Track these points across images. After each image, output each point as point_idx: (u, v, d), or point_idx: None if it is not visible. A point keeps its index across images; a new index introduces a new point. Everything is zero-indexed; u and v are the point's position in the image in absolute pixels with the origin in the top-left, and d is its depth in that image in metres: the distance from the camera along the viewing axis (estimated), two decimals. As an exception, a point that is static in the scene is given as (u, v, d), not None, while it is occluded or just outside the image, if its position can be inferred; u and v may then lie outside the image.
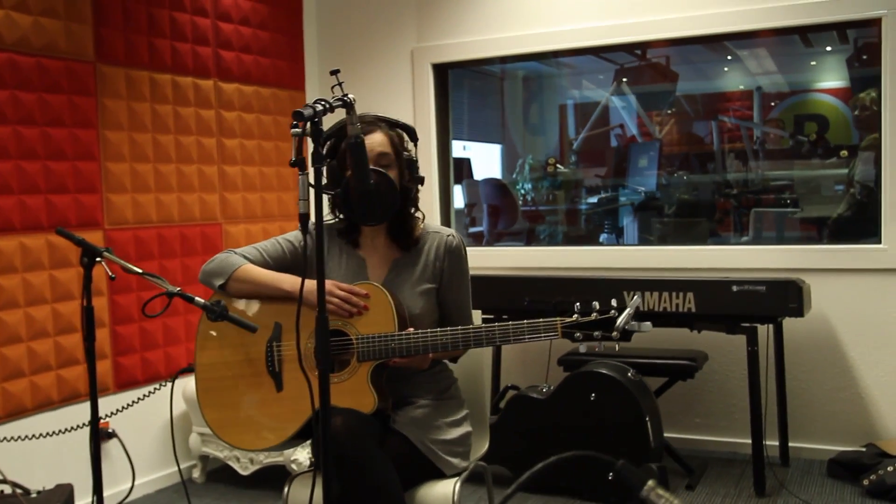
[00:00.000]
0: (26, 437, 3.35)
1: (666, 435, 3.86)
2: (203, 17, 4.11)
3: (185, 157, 4.02)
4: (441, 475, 2.45)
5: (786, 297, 3.55)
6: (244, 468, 3.89)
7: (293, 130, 1.90)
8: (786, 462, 3.97)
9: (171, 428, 3.19)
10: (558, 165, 6.17)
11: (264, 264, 2.51)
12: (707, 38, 4.38)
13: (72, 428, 3.41)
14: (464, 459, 2.52)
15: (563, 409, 3.68)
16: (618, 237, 5.91)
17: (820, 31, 4.31)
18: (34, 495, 2.97)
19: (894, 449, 3.69)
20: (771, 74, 6.01)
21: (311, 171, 1.92)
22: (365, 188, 2.20)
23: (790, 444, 3.99)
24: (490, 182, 6.27)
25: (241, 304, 2.49)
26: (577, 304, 2.32)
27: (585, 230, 6.04)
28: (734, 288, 3.62)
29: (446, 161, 4.88)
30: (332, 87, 2.18)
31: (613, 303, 2.30)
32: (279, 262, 2.53)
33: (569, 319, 2.29)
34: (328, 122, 2.23)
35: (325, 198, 2.36)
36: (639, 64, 5.77)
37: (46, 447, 3.47)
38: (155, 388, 3.50)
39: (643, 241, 5.71)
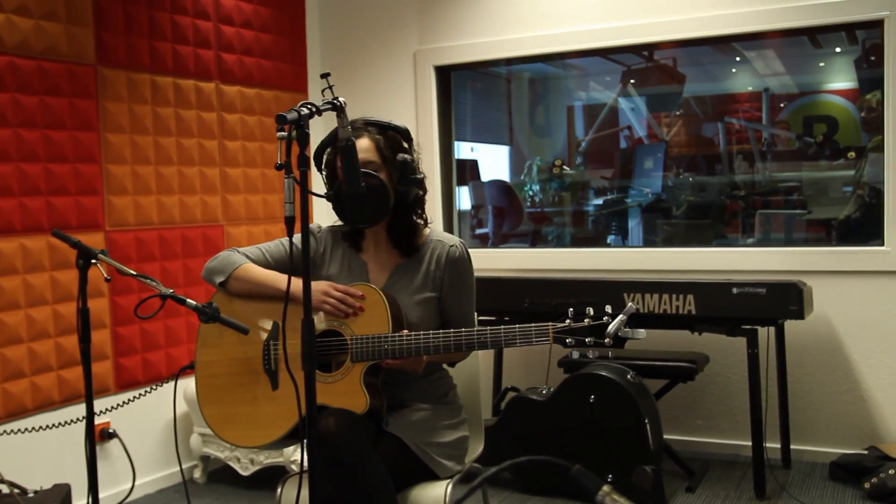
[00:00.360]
0: (25, 430, 3.37)
1: (668, 437, 3.85)
2: (205, 20, 4.13)
3: (187, 159, 4.05)
4: (434, 477, 2.45)
5: (786, 299, 3.53)
6: (244, 469, 3.91)
7: (279, 134, 1.91)
8: (787, 464, 3.95)
9: (175, 425, 3.19)
10: (564, 167, 6.16)
11: (266, 264, 2.53)
12: (715, 39, 4.36)
13: (69, 422, 3.43)
14: (458, 463, 2.52)
15: (562, 411, 3.68)
16: (624, 239, 5.90)
17: (825, 32, 4.29)
18: (31, 495, 2.99)
19: (896, 452, 3.67)
20: (779, 76, 5.97)
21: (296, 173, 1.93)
22: (355, 191, 2.21)
23: (792, 447, 3.97)
24: (495, 184, 6.26)
25: (241, 304, 2.51)
26: (571, 309, 2.31)
27: (592, 232, 6.03)
28: (734, 290, 3.61)
29: (449, 163, 4.88)
30: (323, 91, 2.19)
31: (608, 309, 2.29)
32: (281, 263, 2.56)
33: (561, 325, 2.28)
34: (328, 126, 2.23)
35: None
36: (646, 65, 5.75)
37: (47, 447, 3.50)
38: (154, 387, 3.53)
39: (649, 242, 5.69)
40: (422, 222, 2.56)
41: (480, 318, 3.98)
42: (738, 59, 5.86)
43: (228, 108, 4.24)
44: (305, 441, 2.01)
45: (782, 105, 6.06)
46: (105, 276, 2.44)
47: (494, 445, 3.67)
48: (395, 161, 2.45)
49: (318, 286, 2.42)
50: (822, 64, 5.84)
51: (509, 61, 4.96)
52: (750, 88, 6.22)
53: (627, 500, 0.96)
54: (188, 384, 3.82)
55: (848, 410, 3.99)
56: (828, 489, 3.69)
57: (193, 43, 4.08)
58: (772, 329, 3.79)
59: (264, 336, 2.45)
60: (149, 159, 3.88)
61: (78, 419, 3.43)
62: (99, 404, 3.63)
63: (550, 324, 2.29)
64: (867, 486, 3.53)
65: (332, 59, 4.90)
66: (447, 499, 2.39)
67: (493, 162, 6.66)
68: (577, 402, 3.64)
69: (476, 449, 2.72)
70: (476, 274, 2.63)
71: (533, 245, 5.94)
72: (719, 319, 3.68)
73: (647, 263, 4.31)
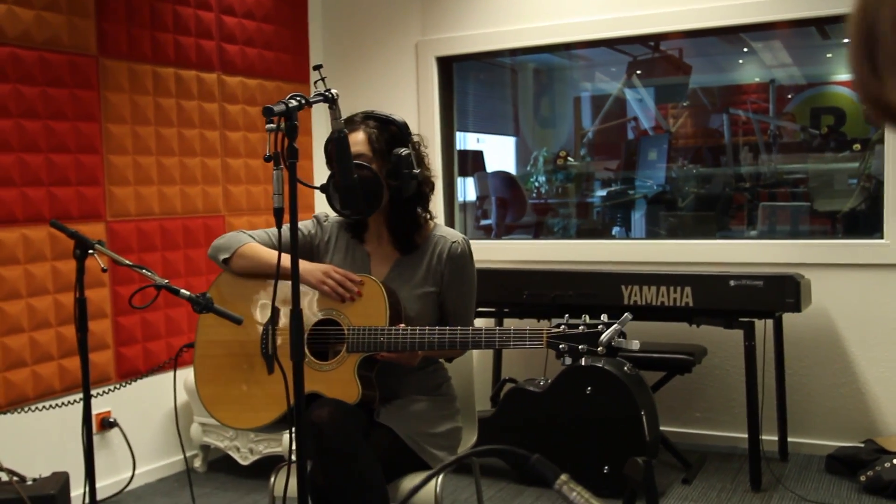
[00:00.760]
0: (24, 409, 3.41)
1: (666, 429, 3.86)
2: (207, 10, 4.15)
3: (189, 150, 4.07)
4: (426, 468, 2.47)
5: (783, 292, 3.54)
6: (244, 458, 3.94)
7: (268, 126, 1.93)
8: (785, 457, 3.96)
9: (175, 406, 3.20)
10: (569, 158, 6.16)
11: (272, 248, 2.56)
12: (722, 29, 4.32)
13: (67, 403, 3.46)
14: (451, 453, 2.54)
15: (559, 403, 3.69)
16: (627, 231, 5.90)
17: (833, 22, 4.27)
18: (30, 482, 3.02)
19: (892, 445, 3.67)
20: (787, 67, 5.95)
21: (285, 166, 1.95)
22: (347, 182, 2.23)
23: (789, 440, 3.98)
24: (499, 175, 6.26)
25: (246, 285, 2.54)
26: (566, 315, 2.32)
27: (596, 224, 6.03)
28: (732, 283, 3.61)
29: (450, 155, 4.89)
30: (315, 83, 2.20)
31: (604, 317, 2.29)
32: (287, 249, 2.58)
33: (556, 330, 2.29)
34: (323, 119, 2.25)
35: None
36: (652, 56, 5.74)
37: (47, 436, 3.53)
38: (155, 370, 3.56)
39: (653, 234, 5.69)
40: (427, 217, 2.57)
41: (479, 309, 4.01)
42: (745, 49, 5.84)
43: (230, 99, 4.26)
44: (294, 430, 2.04)
45: (790, 96, 6.04)
46: (102, 266, 2.47)
47: (492, 436, 3.70)
48: (388, 155, 2.46)
49: (319, 267, 2.47)
50: (829, 55, 5.81)
51: (512, 52, 4.95)
52: (757, 79, 6.19)
53: (584, 489, 0.98)
54: (188, 375, 3.85)
55: (845, 403, 3.99)
56: (824, 482, 3.70)
57: (195, 33, 4.09)
58: (770, 321, 3.80)
59: (264, 319, 2.49)
60: (150, 150, 3.90)
61: (75, 401, 3.46)
62: (100, 393, 3.67)
63: (545, 329, 2.30)
64: (863, 478, 3.54)
65: (334, 50, 4.91)
66: (438, 488, 2.42)
67: (500, 153, 6.66)
68: (573, 394, 3.65)
69: (469, 439, 2.74)
70: (478, 265, 2.64)
71: (536, 236, 5.94)
72: (717, 312, 3.69)
73: (649, 255, 4.31)
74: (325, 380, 2.40)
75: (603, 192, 6.01)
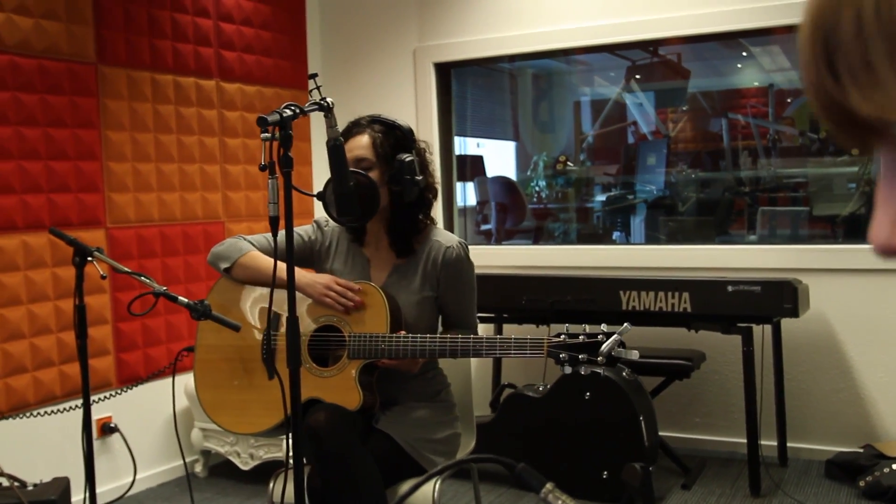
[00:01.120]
0: (25, 415, 3.42)
1: (665, 434, 3.87)
2: (205, 17, 4.16)
3: (188, 156, 4.08)
4: (424, 473, 2.48)
5: (781, 297, 3.54)
6: (244, 463, 3.95)
7: (263, 135, 1.94)
8: (784, 462, 3.96)
9: (174, 411, 3.20)
10: (569, 163, 6.17)
11: (271, 253, 2.57)
12: (721, 35, 4.32)
13: (68, 409, 3.47)
14: (449, 459, 2.55)
15: (558, 408, 3.70)
16: (628, 235, 5.91)
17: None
18: (31, 488, 3.03)
19: (891, 451, 3.67)
20: (786, 71, 5.95)
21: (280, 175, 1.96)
22: (343, 189, 2.24)
23: (789, 445, 3.98)
24: (498, 180, 6.28)
25: (246, 291, 2.55)
26: (567, 325, 2.34)
27: (596, 228, 6.04)
28: (729, 288, 3.62)
29: (449, 160, 4.90)
30: (310, 91, 2.21)
31: (603, 327, 2.31)
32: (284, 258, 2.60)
33: (556, 340, 2.31)
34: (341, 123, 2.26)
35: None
36: (651, 61, 5.75)
37: (48, 441, 3.55)
38: (155, 374, 3.57)
39: (652, 239, 5.70)
40: (427, 223, 2.58)
41: (479, 314, 4.01)
42: (744, 54, 5.85)
43: (229, 106, 4.28)
44: (291, 436, 2.05)
45: (789, 100, 6.05)
46: (101, 273, 2.49)
47: (491, 441, 3.70)
48: (392, 160, 2.48)
49: (320, 279, 2.47)
50: (828, 59, 5.81)
51: (510, 58, 4.96)
52: (756, 84, 6.20)
53: (570, 497, 0.99)
54: (188, 380, 3.87)
55: (844, 409, 3.99)
56: (823, 487, 3.70)
57: (193, 41, 4.11)
58: (768, 327, 3.80)
59: (264, 325, 2.50)
60: (149, 156, 3.92)
61: (76, 407, 3.48)
62: (101, 398, 3.68)
63: (545, 338, 2.32)
64: (862, 484, 3.54)
65: (332, 57, 4.92)
66: (436, 494, 2.43)
67: (500, 157, 6.67)
68: (572, 399, 3.66)
69: (468, 445, 2.75)
70: (477, 271, 2.65)
71: (536, 241, 5.95)
72: (714, 317, 3.69)
73: (648, 261, 4.32)
74: (326, 386, 2.42)
75: (603, 197, 6.03)
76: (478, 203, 6.04)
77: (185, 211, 4.07)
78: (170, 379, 3.84)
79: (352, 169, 2.34)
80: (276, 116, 1.92)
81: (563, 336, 2.31)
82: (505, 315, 4.15)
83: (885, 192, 0.55)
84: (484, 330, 4.28)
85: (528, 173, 6.30)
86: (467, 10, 4.66)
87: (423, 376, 2.59)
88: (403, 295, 2.52)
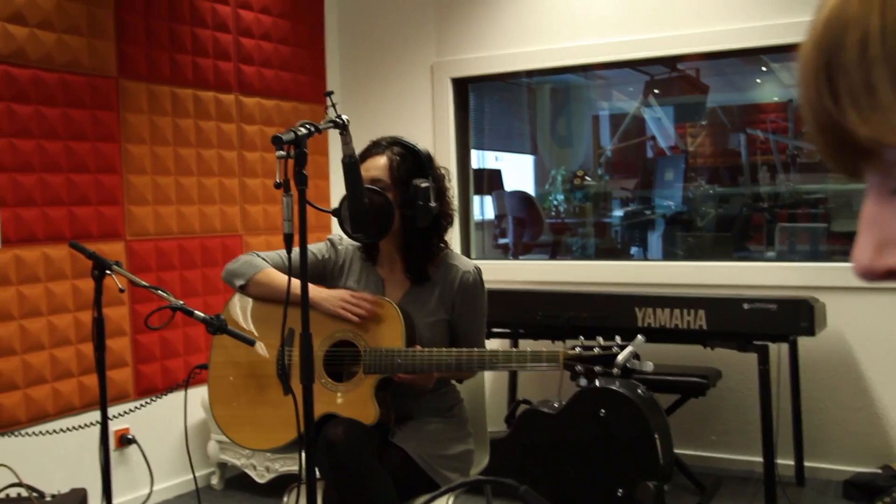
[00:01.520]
0: (44, 432, 3.45)
1: (682, 452, 3.85)
2: (225, 32, 4.20)
3: (207, 170, 4.12)
4: (437, 489, 2.49)
5: (797, 315, 3.52)
6: (260, 476, 3.96)
7: (278, 153, 1.96)
8: (801, 482, 3.93)
9: (185, 426, 3.23)
10: (587, 178, 6.16)
11: (285, 270, 2.59)
12: (742, 52, 4.28)
13: (87, 421, 3.50)
14: (462, 475, 2.56)
15: (572, 425, 3.68)
16: (645, 251, 5.89)
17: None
18: (48, 499, 3.06)
19: (910, 471, 3.64)
20: (806, 86, 5.92)
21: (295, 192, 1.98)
22: (357, 207, 2.26)
23: (806, 464, 3.95)
24: (516, 194, 6.28)
25: (260, 307, 2.58)
26: (581, 337, 2.35)
27: (613, 243, 6.03)
28: (745, 306, 3.60)
29: (466, 175, 4.92)
30: (326, 109, 2.23)
31: (618, 339, 2.32)
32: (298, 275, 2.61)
33: (571, 352, 2.32)
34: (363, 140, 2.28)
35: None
36: (669, 75, 5.74)
37: (66, 452, 3.57)
38: (172, 389, 3.59)
39: (670, 255, 5.68)
40: (441, 247, 2.59)
41: (494, 330, 4.02)
42: (763, 69, 5.82)
43: (247, 120, 4.31)
44: (304, 453, 2.07)
45: (809, 116, 6.01)
46: (119, 286, 2.51)
47: (505, 457, 3.69)
48: (407, 184, 2.49)
49: (336, 293, 2.50)
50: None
51: (528, 74, 4.97)
52: (776, 99, 6.18)
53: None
54: (205, 392, 3.89)
55: (863, 428, 3.96)
56: (840, 507, 3.67)
57: (213, 55, 4.15)
58: (784, 345, 3.78)
59: (279, 340, 2.51)
60: (169, 170, 3.96)
61: (94, 423, 3.50)
62: (119, 410, 3.70)
63: (561, 351, 2.33)
64: (879, 504, 3.50)
65: (350, 71, 4.95)
66: (448, 511, 2.43)
67: (519, 171, 6.68)
68: (587, 416, 3.65)
69: (481, 461, 2.75)
70: (491, 286, 2.67)
71: (553, 256, 5.95)
72: (730, 335, 3.67)
73: (665, 277, 4.31)
74: (343, 401, 2.43)
75: (621, 212, 6.01)
76: (496, 217, 6.05)
77: (204, 224, 4.10)
78: (184, 388, 3.89)
79: (367, 186, 2.35)
80: (291, 135, 1.94)
81: (577, 348, 2.32)
82: (521, 330, 4.15)
83: (870, 214, 0.56)
84: (499, 345, 4.29)
85: (546, 187, 6.30)
86: (485, 25, 4.68)
87: (437, 391, 2.59)
88: (418, 316, 2.53)
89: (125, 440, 3.81)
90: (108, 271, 2.59)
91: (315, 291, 2.48)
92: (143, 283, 2.53)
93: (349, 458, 2.31)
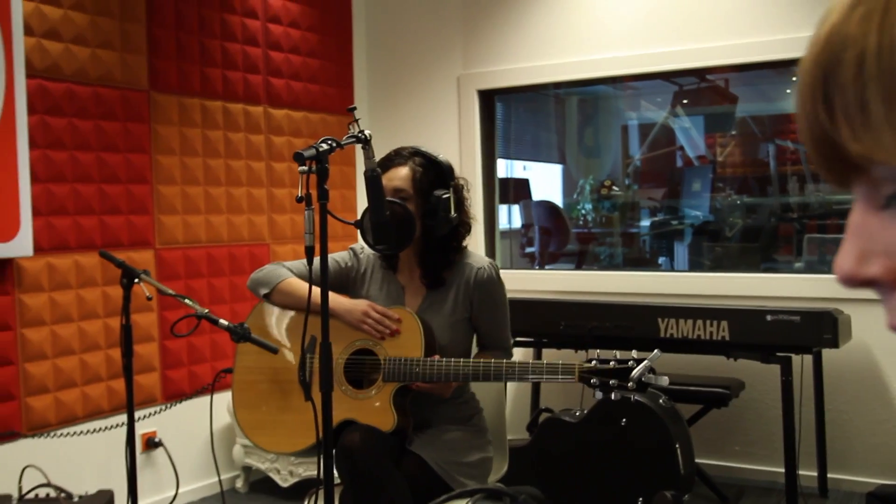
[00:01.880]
0: (73, 434, 3.54)
1: (703, 461, 3.85)
2: (254, 46, 4.29)
3: (235, 180, 4.20)
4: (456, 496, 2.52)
5: (820, 327, 3.52)
6: (284, 480, 4.03)
7: (300, 168, 2.02)
8: (824, 493, 3.91)
9: (211, 430, 3.31)
10: (614, 188, 6.17)
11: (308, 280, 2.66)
12: (772, 63, 4.26)
13: (115, 425, 3.58)
14: (480, 482, 2.59)
15: (593, 433, 3.70)
16: (672, 261, 5.89)
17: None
18: (76, 500, 3.13)
19: (934, 485, 3.61)
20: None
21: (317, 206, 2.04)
22: (379, 219, 2.31)
23: (829, 476, 3.93)
24: (542, 204, 6.31)
25: (284, 315, 2.64)
26: (598, 351, 2.38)
27: (641, 253, 6.03)
28: (768, 317, 3.60)
29: (491, 185, 4.95)
30: (349, 124, 2.28)
31: (634, 354, 2.35)
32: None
33: (587, 365, 2.35)
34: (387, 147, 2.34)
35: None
36: (698, 86, 5.74)
37: (95, 454, 3.66)
38: (198, 392, 3.67)
39: (696, 265, 5.67)
40: (457, 256, 2.64)
41: (517, 339, 4.04)
42: (793, 79, 5.81)
43: (276, 131, 4.39)
44: (323, 456, 2.12)
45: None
46: (147, 294, 2.59)
47: (527, 465, 3.73)
48: (428, 195, 2.54)
49: (358, 305, 2.55)
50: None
51: (555, 86, 5.00)
52: (806, 109, 6.14)
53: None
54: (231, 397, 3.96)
55: (887, 440, 3.93)
56: (863, 520, 3.65)
57: (243, 68, 4.23)
58: (808, 357, 3.77)
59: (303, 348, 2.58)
60: (198, 180, 4.04)
61: (121, 424, 3.58)
62: (146, 414, 3.79)
63: (576, 363, 2.36)
64: (903, 518, 3.48)
65: (377, 83, 5.02)
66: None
67: (547, 181, 6.71)
68: (608, 425, 3.66)
69: (500, 469, 2.79)
70: (515, 296, 2.71)
71: (579, 266, 5.96)
72: (753, 346, 3.68)
73: (689, 287, 4.31)
74: (362, 407, 2.49)
75: (648, 222, 6.01)
76: (522, 226, 6.08)
77: (232, 233, 4.18)
78: (214, 393, 3.96)
79: (388, 198, 2.40)
80: (313, 151, 2.00)
81: (594, 362, 2.35)
82: (544, 340, 4.18)
83: (856, 224, 0.57)
84: (522, 355, 4.31)
85: (575, 196, 6.32)
86: (511, 38, 4.72)
87: (456, 401, 2.64)
88: (437, 319, 2.58)
89: (152, 443, 3.89)
90: (136, 280, 2.67)
91: (338, 302, 2.54)
92: (170, 291, 2.60)
93: (366, 464, 2.36)
